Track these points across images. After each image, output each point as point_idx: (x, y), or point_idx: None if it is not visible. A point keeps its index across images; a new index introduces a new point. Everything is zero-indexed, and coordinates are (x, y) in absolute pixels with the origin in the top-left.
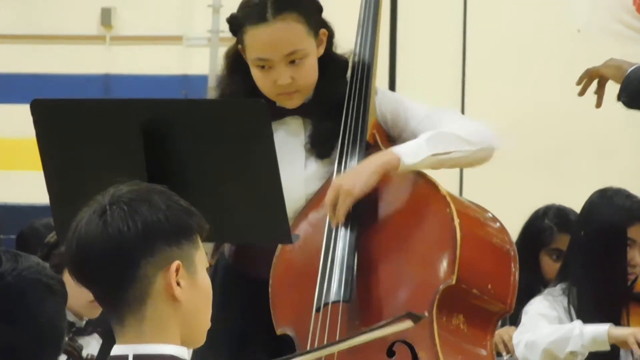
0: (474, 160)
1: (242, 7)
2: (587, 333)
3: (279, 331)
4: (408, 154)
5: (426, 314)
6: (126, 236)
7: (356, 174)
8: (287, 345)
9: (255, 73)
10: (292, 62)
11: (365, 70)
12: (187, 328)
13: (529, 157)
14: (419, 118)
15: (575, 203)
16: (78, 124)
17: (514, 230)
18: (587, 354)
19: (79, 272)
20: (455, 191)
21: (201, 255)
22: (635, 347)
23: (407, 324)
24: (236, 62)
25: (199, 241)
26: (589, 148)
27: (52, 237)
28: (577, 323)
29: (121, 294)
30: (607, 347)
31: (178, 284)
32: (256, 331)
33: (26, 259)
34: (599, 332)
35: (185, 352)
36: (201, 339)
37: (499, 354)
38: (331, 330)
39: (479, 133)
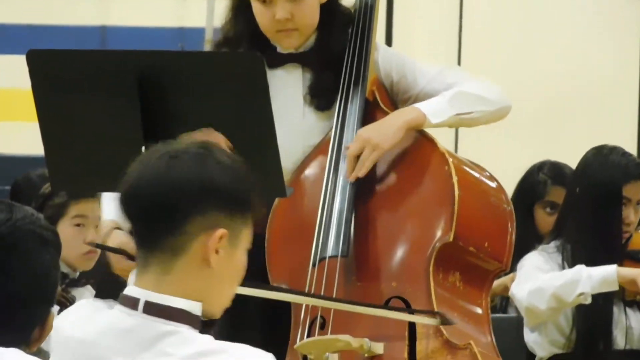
0: (491, 119)
1: None
2: (595, 274)
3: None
4: (433, 112)
5: (456, 322)
6: (188, 186)
7: (383, 128)
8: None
9: (257, 7)
10: None
11: (366, 23)
12: (207, 294)
13: (525, 115)
14: (429, 77)
15: (571, 161)
16: (74, 74)
17: (510, 189)
18: (590, 297)
19: (132, 206)
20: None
21: (248, 234)
22: None
23: (433, 321)
24: (240, 4)
25: (250, 220)
26: (586, 106)
27: (46, 188)
28: (581, 266)
29: (160, 238)
30: (616, 287)
31: (217, 251)
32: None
33: (20, 209)
34: (609, 272)
35: (198, 307)
36: (216, 312)
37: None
38: (328, 285)
39: (496, 92)
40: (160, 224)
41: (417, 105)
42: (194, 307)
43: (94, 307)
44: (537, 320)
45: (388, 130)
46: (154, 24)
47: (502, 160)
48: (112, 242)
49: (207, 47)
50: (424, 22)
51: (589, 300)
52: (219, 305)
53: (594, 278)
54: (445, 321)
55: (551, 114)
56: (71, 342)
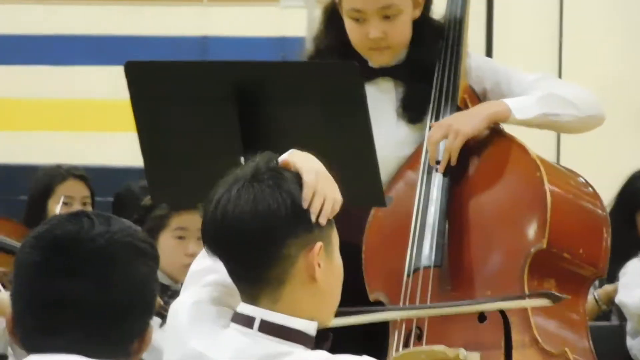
0: (581, 126)
1: None
2: None
3: (372, 297)
4: (519, 108)
5: (568, 296)
6: (276, 214)
7: (466, 116)
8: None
9: (349, 25)
10: (387, 17)
11: (456, 33)
12: (320, 307)
13: (627, 121)
14: (524, 85)
15: None
16: (172, 85)
17: (613, 195)
18: None
19: (222, 247)
20: (552, 156)
21: (336, 233)
22: None
23: (544, 302)
24: (332, 18)
25: (332, 220)
26: None
27: (148, 199)
28: None
29: (262, 272)
30: None
31: (319, 265)
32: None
33: (118, 222)
34: None
35: (314, 327)
36: (329, 318)
37: None
38: (422, 295)
39: (589, 101)
40: (259, 260)
41: (505, 99)
42: (310, 328)
43: (214, 324)
44: None
45: (470, 118)
46: (254, 34)
47: (604, 165)
48: None
49: (306, 56)
50: (523, 32)
51: None
52: (331, 313)
53: None
54: (556, 298)
55: None
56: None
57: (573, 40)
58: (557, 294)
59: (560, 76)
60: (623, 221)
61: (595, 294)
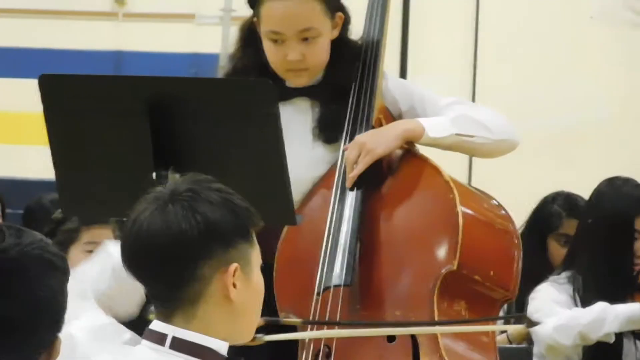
0: (494, 149)
1: None
2: (621, 313)
3: (281, 315)
4: (433, 127)
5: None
6: (188, 235)
7: (379, 135)
8: (287, 331)
9: (267, 46)
10: (305, 39)
11: (373, 54)
12: (235, 327)
13: (539, 144)
14: (437, 108)
15: (584, 192)
16: (85, 99)
17: (524, 217)
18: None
19: (137, 268)
20: (464, 178)
21: (256, 253)
22: None
23: (520, 326)
24: (249, 36)
25: (254, 238)
26: (599, 136)
27: (59, 213)
28: (605, 304)
29: (176, 292)
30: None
31: (234, 285)
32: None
33: (29, 234)
34: (634, 312)
35: (225, 347)
36: (248, 336)
37: None
38: (331, 313)
39: (503, 125)
40: (173, 281)
41: (419, 119)
42: (221, 347)
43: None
44: (559, 356)
45: (384, 137)
46: (168, 50)
47: (516, 188)
48: None
49: (221, 73)
50: (438, 53)
51: (613, 339)
52: (249, 331)
53: (620, 317)
54: (531, 324)
55: (565, 143)
56: None
57: (488, 64)
58: (532, 319)
59: (473, 99)
60: (534, 244)
61: (508, 333)
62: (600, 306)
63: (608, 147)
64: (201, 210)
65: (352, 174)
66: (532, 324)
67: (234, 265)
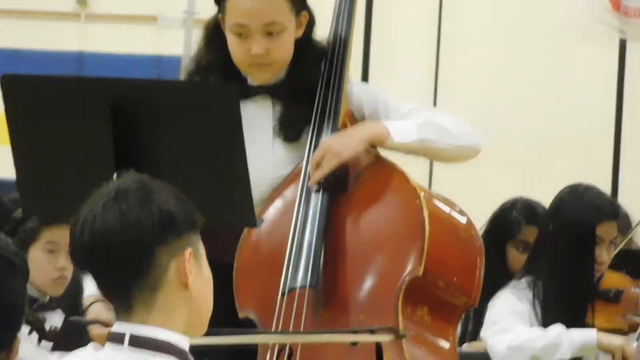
0: (457, 155)
1: None
2: (576, 341)
3: (241, 314)
4: (398, 132)
5: (409, 334)
6: (144, 224)
7: (346, 138)
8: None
9: (232, 40)
10: (270, 33)
11: (340, 54)
12: (194, 316)
13: (499, 152)
14: (400, 114)
15: (545, 199)
16: (47, 100)
17: (483, 224)
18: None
19: (92, 262)
20: (424, 183)
21: (202, 244)
22: None
23: (387, 337)
24: (214, 34)
25: (199, 233)
26: (561, 144)
27: (19, 212)
28: (560, 328)
29: (134, 281)
30: (592, 354)
31: (189, 272)
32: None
33: None
34: (589, 340)
35: (184, 341)
36: (204, 327)
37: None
38: (297, 315)
39: (466, 131)
40: (129, 269)
41: (385, 122)
42: (180, 340)
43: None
44: None
45: (350, 140)
46: (131, 51)
47: (475, 195)
48: (90, 315)
49: (184, 75)
50: (401, 57)
51: None
52: (206, 320)
53: (575, 344)
54: (400, 335)
55: (525, 150)
56: None
57: (449, 70)
58: (400, 331)
59: (435, 104)
60: (493, 251)
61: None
62: (557, 330)
63: (568, 154)
64: (154, 199)
65: (316, 176)
66: (400, 336)
67: (189, 250)
